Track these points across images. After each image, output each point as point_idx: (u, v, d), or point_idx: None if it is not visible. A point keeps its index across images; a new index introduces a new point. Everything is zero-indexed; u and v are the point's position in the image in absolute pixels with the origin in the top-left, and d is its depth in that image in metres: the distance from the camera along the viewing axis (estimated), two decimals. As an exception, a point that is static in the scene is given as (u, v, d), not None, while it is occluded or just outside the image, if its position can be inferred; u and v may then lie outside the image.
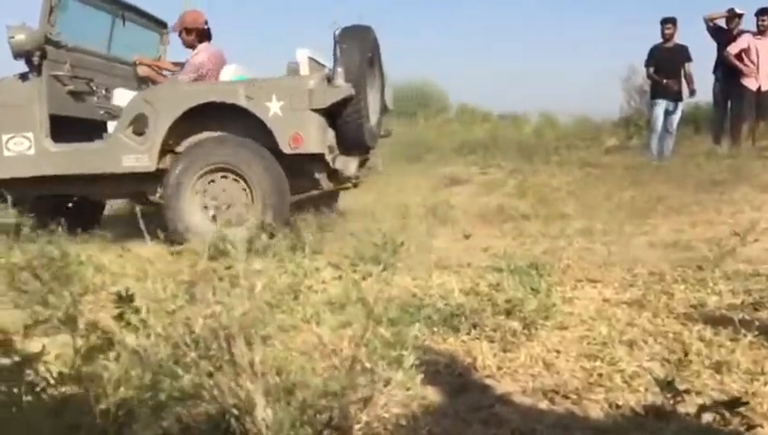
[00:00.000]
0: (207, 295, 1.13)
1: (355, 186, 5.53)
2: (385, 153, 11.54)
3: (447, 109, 17.49)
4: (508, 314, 2.82)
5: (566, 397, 2.05)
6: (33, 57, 4.58)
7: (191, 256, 4.24)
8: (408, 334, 1.17)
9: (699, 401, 1.86)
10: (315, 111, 4.34)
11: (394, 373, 1.12)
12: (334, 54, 4.36)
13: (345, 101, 4.40)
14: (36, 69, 4.64)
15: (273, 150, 4.46)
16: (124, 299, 1.86)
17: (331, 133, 4.51)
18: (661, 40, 9.05)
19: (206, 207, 4.63)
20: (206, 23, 5.07)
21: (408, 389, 1.16)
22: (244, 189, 4.52)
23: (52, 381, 1.16)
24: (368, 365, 1.10)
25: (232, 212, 4.56)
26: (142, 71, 5.27)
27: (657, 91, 8.98)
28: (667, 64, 8.89)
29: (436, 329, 2.60)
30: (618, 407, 1.97)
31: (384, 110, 5.37)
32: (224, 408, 1.09)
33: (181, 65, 5.24)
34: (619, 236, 4.90)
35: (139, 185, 4.78)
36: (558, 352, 2.47)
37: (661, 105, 8.92)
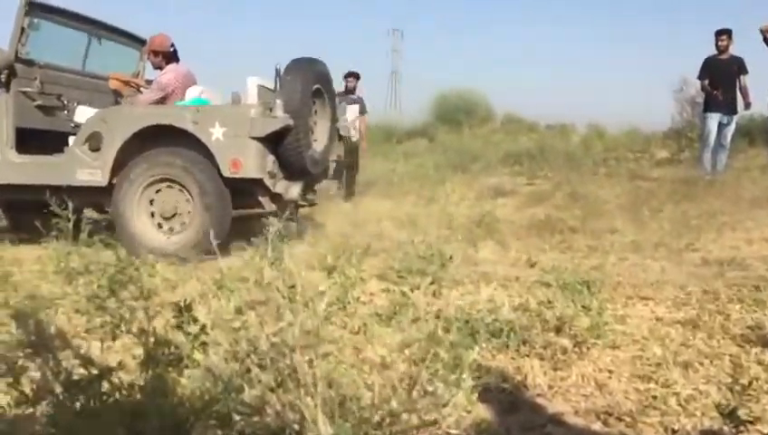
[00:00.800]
0: (271, 310, 1.16)
1: (311, 205, 5.94)
2: (429, 162, 11.61)
3: (493, 118, 17.39)
4: (558, 331, 2.79)
5: (620, 419, 2.01)
6: (1, 75, 5.00)
7: (232, 261, 4.34)
8: (468, 356, 1.17)
9: (761, 428, 1.80)
10: (255, 138, 4.65)
11: (452, 394, 1.12)
12: (275, 87, 4.79)
13: (285, 131, 4.69)
14: (5, 86, 5.04)
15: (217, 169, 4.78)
16: (183, 310, 1.91)
17: (271, 159, 4.78)
18: (715, 52, 8.81)
19: (152, 216, 4.92)
20: (173, 46, 5.43)
21: (468, 411, 1.17)
22: (188, 200, 4.81)
23: (124, 392, 1.21)
24: (429, 389, 1.10)
25: (176, 221, 4.87)
26: (113, 84, 5.57)
27: (711, 104, 8.72)
28: (721, 76, 8.62)
29: (484, 344, 2.59)
30: (674, 432, 1.92)
31: (335, 137, 5.69)
32: (285, 422, 1.12)
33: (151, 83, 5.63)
34: (671, 253, 4.79)
35: (95, 197, 5.14)
36: (610, 372, 2.43)
37: (715, 118, 8.66)
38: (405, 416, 1.12)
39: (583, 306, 2.91)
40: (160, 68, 5.42)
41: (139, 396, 1.16)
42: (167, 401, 1.12)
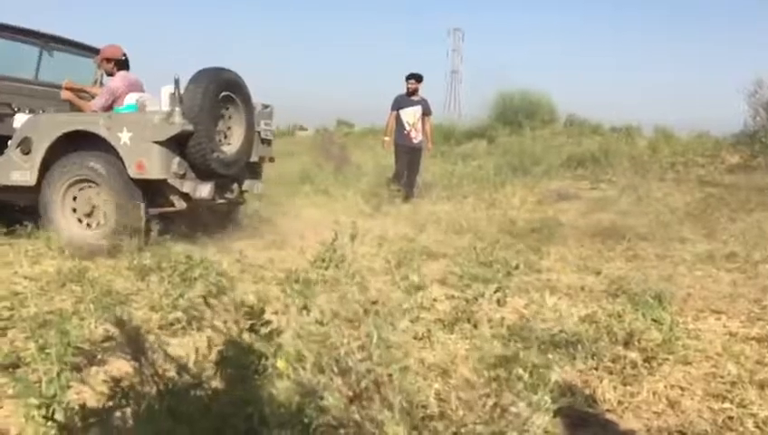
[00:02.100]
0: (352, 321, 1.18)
1: (240, 203, 6.35)
2: (489, 164, 11.49)
3: (555, 119, 17.05)
4: (626, 344, 2.72)
5: (694, 440, 1.95)
6: None
7: (296, 260, 4.43)
8: (551, 376, 1.16)
9: None
10: (157, 142, 5.07)
11: (533, 413, 1.12)
12: (176, 96, 5.10)
13: (186, 135, 5.10)
14: None
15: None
16: (255, 313, 1.96)
17: (176, 161, 5.15)
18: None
19: (75, 212, 5.38)
20: (125, 55, 5.94)
21: (546, 432, 1.16)
22: (105, 199, 5.25)
23: (208, 393, 1.25)
24: (513, 409, 1.10)
25: (94, 217, 5.34)
26: (64, 95, 5.95)
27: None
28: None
29: (551, 356, 2.55)
30: (752, 456, 1.85)
31: (253, 140, 5.97)
32: (363, 432, 1.14)
33: None
34: (744, 264, 4.61)
35: (29, 196, 5.55)
36: (683, 389, 2.36)
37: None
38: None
39: (654, 320, 2.84)
40: (111, 74, 5.91)
41: (225, 401, 1.20)
42: (256, 409, 1.16)
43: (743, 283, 4.09)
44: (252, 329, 1.92)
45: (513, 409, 1.10)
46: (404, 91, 8.84)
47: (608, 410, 2.14)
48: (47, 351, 2.34)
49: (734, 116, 12.48)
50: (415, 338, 2.75)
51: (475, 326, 2.95)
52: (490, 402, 1.15)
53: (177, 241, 5.12)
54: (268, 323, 1.91)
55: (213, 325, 2.86)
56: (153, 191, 5.32)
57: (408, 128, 8.72)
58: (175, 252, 4.33)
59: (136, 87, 5.84)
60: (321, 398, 1.16)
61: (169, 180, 5.19)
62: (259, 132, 6.16)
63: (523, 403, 1.10)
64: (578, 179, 10.22)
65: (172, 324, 3.11)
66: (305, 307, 1.98)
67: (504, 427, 1.12)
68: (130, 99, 5.61)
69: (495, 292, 3.10)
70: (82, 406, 1.67)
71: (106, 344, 2.82)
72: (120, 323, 2.34)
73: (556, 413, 1.20)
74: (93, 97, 5.96)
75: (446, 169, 11.41)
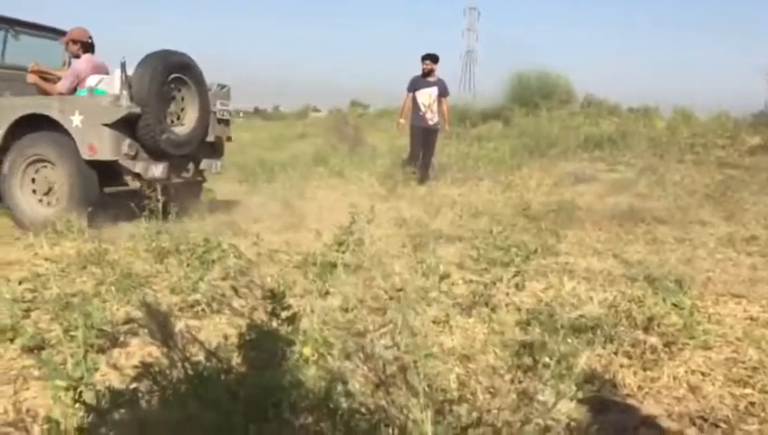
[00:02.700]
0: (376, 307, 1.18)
1: (200, 182, 6.57)
2: (505, 146, 11.41)
3: (572, 100, 16.84)
4: (646, 329, 2.71)
5: (716, 425, 1.94)
6: None
7: (311, 244, 4.45)
8: (577, 364, 1.16)
9: None
10: (106, 125, 5.24)
11: (558, 400, 1.12)
12: (122, 80, 5.28)
13: (134, 117, 5.29)
14: None
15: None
16: (276, 297, 1.97)
17: (127, 142, 5.34)
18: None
19: (35, 192, 5.60)
20: (91, 38, 6.09)
21: (572, 420, 1.16)
22: (61, 179, 5.45)
23: (234, 377, 1.27)
24: (540, 398, 1.10)
25: (52, 195, 5.55)
26: (30, 78, 6.04)
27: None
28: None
29: (569, 341, 2.54)
30: (775, 442, 1.84)
31: (207, 121, 6.12)
32: (388, 417, 1.15)
33: None
34: (766, 247, 4.56)
35: None
36: (703, 374, 2.35)
37: (817, 102, 8.11)
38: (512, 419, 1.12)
39: (674, 304, 2.82)
40: (77, 56, 6.05)
41: (253, 386, 1.21)
42: (284, 394, 1.17)
43: (763, 266, 4.05)
44: (273, 313, 1.94)
45: (539, 397, 1.10)
46: (420, 72, 8.78)
47: (628, 396, 2.14)
48: (72, 333, 2.38)
49: (754, 96, 12.24)
50: (433, 322, 2.74)
51: (493, 310, 2.94)
52: (515, 389, 1.15)
53: (194, 223, 5.15)
54: (289, 307, 1.93)
55: (234, 309, 2.89)
56: (107, 171, 5.53)
57: (423, 109, 8.67)
58: (192, 235, 4.35)
59: (100, 70, 5.95)
60: (348, 384, 1.17)
61: (120, 161, 5.39)
62: (215, 112, 6.29)
63: (550, 391, 1.11)
64: (595, 161, 10.12)
65: (192, 307, 3.14)
66: (327, 292, 1.98)
67: (528, 414, 1.12)
68: (91, 82, 5.74)
69: (514, 276, 3.09)
70: (109, 388, 1.70)
71: (127, 326, 2.86)
72: (146, 306, 2.36)
73: (581, 400, 1.20)
74: (60, 79, 6.06)
75: (462, 150, 11.35)
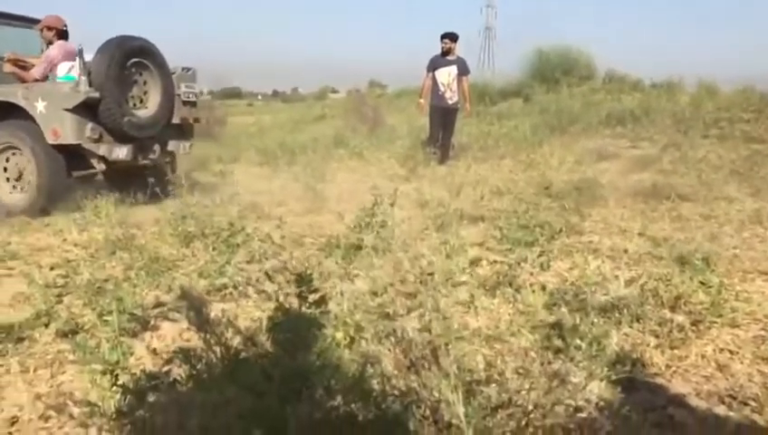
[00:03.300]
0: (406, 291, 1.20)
1: (169, 163, 6.66)
2: (525, 124, 11.30)
3: (594, 76, 16.56)
4: (672, 308, 2.70)
5: (744, 403, 1.94)
6: None
7: (334, 227, 4.47)
8: (609, 346, 1.17)
9: None
10: (68, 110, 5.45)
11: (589, 381, 1.13)
12: (80, 66, 5.46)
13: (94, 102, 5.47)
14: None
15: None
16: (303, 279, 1.99)
17: (90, 126, 5.55)
18: None
19: (8, 180, 5.82)
20: (66, 26, 6.26)
21: (602, 401, 1.17)
22: (29, 162, 5.64)
23: (267, 360, 1.29)
24: (573, 379, 1.11)
25: (23, 181, 5.74)
26: (7, 68, 6.12)
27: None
28: None
29: (595, 320, 2.54)
30: (805, 420, 1.84)
31: (172, 103, 6.30)
32: (420, 399, 1.17)
33: None
34: (794, 223, 4.49)
35: None
36: (732, 352, 2.34)
37: None
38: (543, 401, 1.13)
39: (701, 282, 2.80)
40: (51, 43, 6.19)
41: (288, 369, 1.23)
42: (318, 377, 1.20)
43: (791, 243, 3.99)
44: (301, 296, 1.96)
45: (572, 378, 1.11)
46: (439, 51, 8.71)
47: (656, 374, 2.14)
48: (105, 318, 2.44)
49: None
50: (458, 303, 2.76)
51: (518, 291, 2.95)
52: (545, 370, 1.16)
53: (219, 207, 5.19)
54: (317, 290, 1.95)
55: (262, 292, 2.93)
56: (73, 155, 5.74)
57: (442, 89, 8.61)
58: (218, 220, 4.39)
59: (72, 57, 6.02)
60: (381, 366, 1.19)
61: (84, 145, 5.60)
62: (179, 95, 6.49)
63: (583, 372, 1.11)
64: (618, 138, 9.97)
65: (219, 290, 3.19)
66: (354, 275, 2.00)
67: (560, 395, 1.13)
68: (62, 70, 5.91)
69: (539, 256, 3.08)
70: (145, 371, 1.74)
71: (157, 310, 2.92)
72: (182, 291, 2.40)
73: (610, 381, 1.21)
74: (32, 66, 6.21)
75: (482, 129, 11.27)
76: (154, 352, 2.16)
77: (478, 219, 4.82)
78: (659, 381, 2.09)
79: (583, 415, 1.28)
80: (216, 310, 2.63)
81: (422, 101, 8.96)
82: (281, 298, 1.82)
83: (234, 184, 7.03)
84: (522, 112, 14.01)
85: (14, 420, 1.96)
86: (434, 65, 8.68)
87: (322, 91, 42.32)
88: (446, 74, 8.61)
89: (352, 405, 1.17)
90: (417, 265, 1.66)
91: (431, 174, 7.42)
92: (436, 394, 1.16)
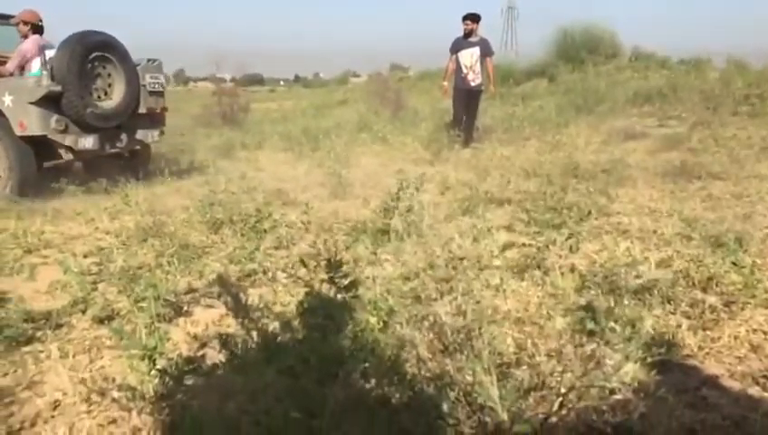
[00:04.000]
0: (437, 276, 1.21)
1: (131, 153, 7.00)
2: (550, 104, 11.17)
3: (620, 54, 16.26)
4: (704, 289, 2.67)
5: (779, 384, 1.92)
6: None
7: (360, 212, 4.50)
8: (643, 327, 1.16)
9: None
10: (32, 103, 5.77)
11: (624, 363, 1.13)
12: (42, 62, 5.80)
13: (56, 95, 5.80)
14: None
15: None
16: (333, 264, 2.01)
17: (54, 118, 5.86)
18: None
19: None
20: (41, 20, 6.49)
21: (637, 383, 1.17)
22: (1, 156, 5.93)
23: (306, 345, 1.32)
24: (609, 362, 1.11)
25: None
26: None
27: None
28: None
29: (626, 302, 2.53)
30: (842, 401, 1.81)
31: (136, 94, 6.58)
32: (454, 381, 1.18)
33: None
34: (829, 202, 4.39)
35: None
36: (765, 333, 2.31)
37: None
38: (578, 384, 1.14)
39: (733, 263, 2.77)
40: (26, 37, 6.37)
41: (325, 354, 1.26)
42: (353, 361, 1.22)
43: (826, 222, 3.91)
44: (332, 281, 1.98)
45: (608, 361, 1.11)
46: (461, 33, 8.64)
47: (688, 356, 2.13)
48: (141, 304, 2.50)
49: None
50: (486, 286, 2.76)
51: (546, 274, 2.94)
52: (579, 353, 1.17)
53: (246, 194, 5.24)
54: (347, 275, 1.97)
55: (293, 277, 2.96)
56: (42, 147, 6.04)
57: (465, 71, 8.54)
58: (246, 206, 4.44)
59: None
60: (416, 350, 1.21)
61: (50, 136, 5.91)
62: (145, 86, 6.75)
63: (618, 355, 1.12)
64: (645, 117, 9.81)
65: (249, 276, 3.23)
66: (385, 260, 2.02)
67: (594, 378, 1.14)
68: (36, 65, 6.13)
69: (567, 238, 3.06)
70: (181, 356, 1.79)
71: (189, 296, 2.97)
72: (219, 277, 2.43)
73: (644, 363, 1.21)
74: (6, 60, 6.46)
75: (506, 111, 11.16)
76: (195, 337, 2.20)
77: (504, 202, 4.80)
78: (692, 362, 2.08)
79: (618, 397, 1.28)
80: (249, 296, 2.67)
81: (445, 83, 8.90)
82: (315, 284, 1.84)
83: (259, 170, 7.11)
84: (546, 93, 13.85)
85: (56, 404, 2.02)
86: (456, 47, 8.61)
87: (344, 75, 42.23)
88: (469, 56, 8.54)
89: (387, 388, 1.19)
90: (447, 250, 1.67)
91: (455, 157, 7.39)
92: (470, 377, 1.18)
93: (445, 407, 1.20)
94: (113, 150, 6.55)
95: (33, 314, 2.75)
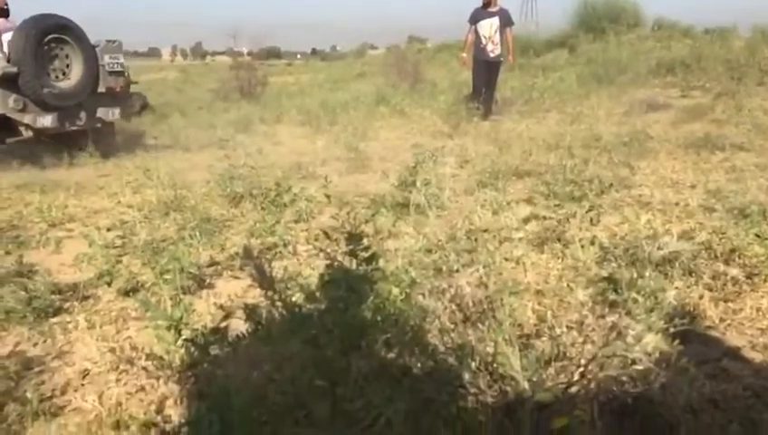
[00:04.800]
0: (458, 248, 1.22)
1: (95, 130, 7.16)
2: (571, 75, 11.01)
3: (642, 23, 15.93)
4: (726, 261, 2.65)
5: (802, 356, 1.91)
6: None
7: (379, 185, 4.50)
8: (665, 299, 1.17)
9: None
10: None
11: (646, 334, 1.14)
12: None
13: (13, 76, 6.08)
14: None
15: None
16: (354, 237, 2.02)
17: (12, 98, 6.17)
18: None
19: None
20: (6, 4, 6.81)
21: (659, 353, 1.18)
22: None
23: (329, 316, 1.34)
24: (631, 332, 1.12)
25: None
26: None
27: None
28: None
29: (647, 274, 2.51)
30: None
31: (94, 74, 6.85)
32: (475, 352, 1.20)
33: None
34: None
35: None
36: (788, 305, 2.29)
37: None
38: (599, 354, 1.15)
39: (756, 235, 2.74)
40: None
41: (348, 324, 1.28)
42: (376, 331, 1.24)
43: None
44: (352, 253, 2.00)
45: (629, 331, 1.12)
46: (480, 3, 8.52)
47: (709, 327, 2.12)
48: (165, 277, 2.54)
49: None
50: (507, 259, 2.77)
51: (566, 246, 2.94)
52: (600, 323, 1.18)
53: (265, 168, 5.26)
54: (368, 247, 1.98)
55: (313, 250, 2.99)
56: (4, 125, 6.39)
57: (484, 41, 8.44)
58: (265, 180, 4.47)
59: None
60: (439, 320, 1.22)
61: (9, 114, 6.22)
62: (104, 66, 7.04)
63: (641, 326, 1.12)
64: (667, 87, 9.65)
65: (270, 249, 3.27)
66: (405, 232, 2.02)
67: (615, 348, 1.14)
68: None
69: (588, 211, 3.05)
70: (206, 326, 1.82)
71: (212, 269, 3.02)
72: (245, 249, 2.46)
73: (667, 334, 1.21)
74: None
75: (526, 82, 11.03)
76: (221, 307, 2.24)
77: (525, 175, 4.78)
78: (713, 333, 2.07)
79: (639, 367, 1.28)
80: (274, 268, 2.71)
81: (464, 55, 8.81)
82: (337, 256, 1.85)
83: (277, 144, 7.13)
84: (567, 64, 13.65)
85: (85, 373, 2.08)
86: (475, 18, 8.50)
87: (361, 48, 41.96)
88: (488, 26, 8.43)
89: (409, 357, 1.21)
90: (468, 222, 1.67)
91: (475, 130, 7.34)
92: (491, 347, 1.19)
93: (466, 376, 1.22)
94: (73, 128, 6.83)
95: (60, 286, 2.82)
